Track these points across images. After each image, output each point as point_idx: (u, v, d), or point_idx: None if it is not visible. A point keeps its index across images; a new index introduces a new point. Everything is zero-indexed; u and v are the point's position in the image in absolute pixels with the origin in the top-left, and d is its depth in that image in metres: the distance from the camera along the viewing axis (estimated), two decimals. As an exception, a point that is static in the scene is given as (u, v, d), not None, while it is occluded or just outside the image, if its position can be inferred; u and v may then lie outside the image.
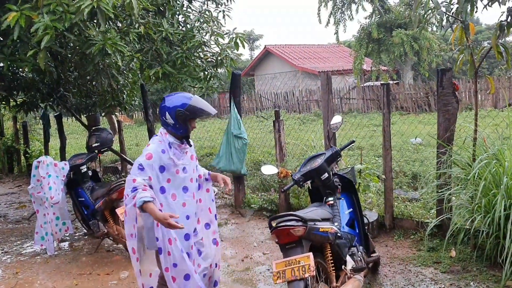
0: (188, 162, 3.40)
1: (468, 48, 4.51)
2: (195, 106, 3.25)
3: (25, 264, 5.44)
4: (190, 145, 3.44)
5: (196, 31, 6.70)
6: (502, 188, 3.94)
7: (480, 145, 4.56)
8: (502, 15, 4.32)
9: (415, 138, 9.94)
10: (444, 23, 4.58)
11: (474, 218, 4.15)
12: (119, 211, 5.06)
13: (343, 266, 3.51)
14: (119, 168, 9.53)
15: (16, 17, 4.41)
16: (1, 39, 5.51)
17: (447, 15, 4.51)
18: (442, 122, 4.81)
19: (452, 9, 4.49)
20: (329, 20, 26.73)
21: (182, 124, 3.28)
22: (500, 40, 4.41)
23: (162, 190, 3.23)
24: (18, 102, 7.86)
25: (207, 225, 3.64)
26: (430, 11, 4.60)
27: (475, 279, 4.05)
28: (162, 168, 3.21)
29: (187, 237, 3.33)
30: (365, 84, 23.50)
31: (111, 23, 5.83)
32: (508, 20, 4.26)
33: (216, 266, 3.64)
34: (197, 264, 3.40)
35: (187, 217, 3.32)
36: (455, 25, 4.63)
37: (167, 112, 3.25)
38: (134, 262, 3.35)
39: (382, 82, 23.64)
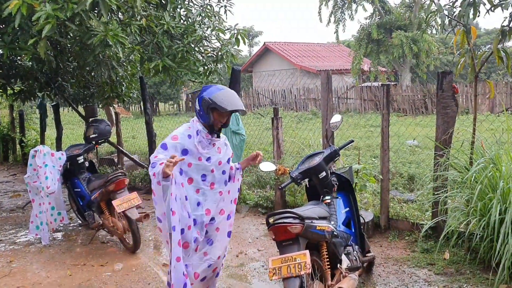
0: (214, 153, 3.44)
1: (469, 52, 4.52)
2: (217, 98, 3.25)
3: (19, 253, 5.43)
4: (219, 137, 3.47)
5: (198, 25, 6.68)
6: (498, 192, 3.97)
7: (478, 149, 4.59)
8: (504, 20, 4.33)
9: (413, 140, 9.98)
10: (445, 26, 4.59)
11: (469, 221, 4.18)
12: (115, 202, 5.07)
13: (338, 265, 3.53)
14: (115, 160, 9.50)
15: (17, 5, 4.37)
16: (2, 26, 5.48)
17: (449, 18, 4.52)
18: (441, 125, 4.83)
19: (454, 12, 4.50)
20: (329, 19, 26.74)
21: (205, 112, 3.31)
22: (500, 45, 4.43)
23: (181, 172, 3.30)
24: (16, 91, 7.82)
25: (228, 217, 3.66)
26: (431, 14, 4.60)
27: (469, 281, 4.08)
28: (185, 151, 3.29)
29: (194, 222, 3.36)
30: (363, 84, 23.54)
31: (113, 15, 5.81)
32: (510, 25, 4.27)
33: (223, 257, 3.68)
34: (202, 252, 3.48)
35: (198, 204, 3.38)
36: (457, 29, 4.64)
37: (198, 99, 3.35)
38: (166, 245, 3.36)
39: (380, 82, 23.71)
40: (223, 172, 3.54)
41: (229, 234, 3.69)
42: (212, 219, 3.49)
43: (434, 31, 25.69)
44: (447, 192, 4.57)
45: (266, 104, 25.36)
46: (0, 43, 5.28)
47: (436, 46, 24.49)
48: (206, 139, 3.37)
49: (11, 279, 4.69)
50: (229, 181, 3.63)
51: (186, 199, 3.30)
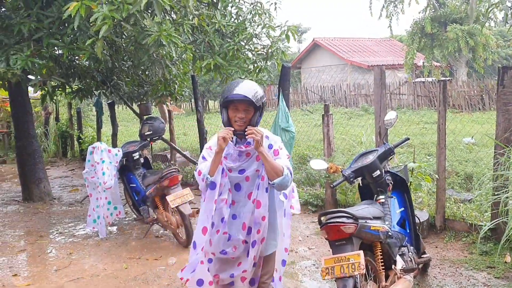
0: (250, 164, 3.01)
1: (534, 45, 4.29)
2: (225, 88, 2.97)
3: (78, 246, 5.66)
4: (247, 142, 2.97)
5: (248, 23, 6.71)
6: None
7: (543, 147, 4.35)
8: None
9: (472, 137, 9.61)
10: (508, 18, 4.37)
11: (533, 224, 3.97)
12: (169, 198, 5.19)
13: (392, 266, 3.45)
14: (168, 156, 9.72)
15: (77, 6, 4.55)
16: (62, 28, 5.72)
17: (512, 10, 4.31)
18: (501, 122, 4.61)
19: (518, 4, 4.28)
20: (381, 13, 26.12)
21: (222, 111, 2.98)
22: None
23: (213, 186, 2.99)
24: (74, 89, 8.14)
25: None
26: (493, 6, 4.40)
27: (532, 287, 3.89)
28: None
29: (229, 237, 3.03)
30: (416, 80, 22.86)
31: (166, 14, 5.93)
32: None
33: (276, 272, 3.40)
34: (237, 262, 3.11)
35: (234, 217, 3.03)
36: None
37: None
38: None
39: (434, 78, 22.95)
40: (263, 178, 2.99)
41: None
42: (249, 231, 3.05)
43: (492, 24, 24.57)
44: (508, 193, 4.36)
45: (314, 100, 25.16)
46: (60, 43, 5.52)
47: (494, 40, 23.39)
48: (234, 150, 3.00)
49: (71, 270, 4.90)
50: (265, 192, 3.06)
51: (222, 217, 2.99)
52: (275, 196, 3.14)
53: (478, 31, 22.13)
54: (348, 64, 27.79)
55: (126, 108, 9.80)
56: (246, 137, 2.89)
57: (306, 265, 4.76)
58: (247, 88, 2.87)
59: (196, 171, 3.05)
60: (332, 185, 4.03)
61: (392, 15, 25.72)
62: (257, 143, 2.83)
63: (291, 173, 2.95)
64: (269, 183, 2.95)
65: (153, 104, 8.71)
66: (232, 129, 2.89)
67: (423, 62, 25.34)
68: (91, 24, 4.83)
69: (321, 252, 5.04)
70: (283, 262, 3.47)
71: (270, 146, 3.02)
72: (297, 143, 10.74)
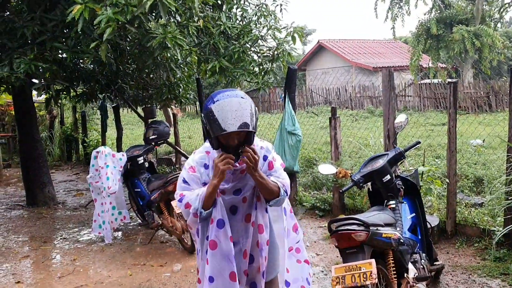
0: (246, 182, 2.59)
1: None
2: (209, 115, 2.36)
3: (82, 252, 5.58)
4: (238, 159, 2.46)
5: (254, 25, 6.63)
6: None
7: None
8: None
9: (483, 140, 9.47)
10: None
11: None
12: (174, 203, 5.10)
13: (405, 274, 3.34)
14: (173, 160, 9.66)
15: (80, 9, 4.48)
16: (65, 31, 5.65)
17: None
18: (514, 125, 4.50)
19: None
20: (387, 15, 26.00)
21: (208, 134, 2.45)
22: None
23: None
24: (78, 93, 8.09)
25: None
26: (506, 5, 4.29)
27: (548, 295, 3.77)
28: (205, 184, 2.55)
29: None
30: (422, 82, 22.72)
31: (171, 17, 5.86)
32: None
33: None
34: None
35: (234, 244, 2.56)
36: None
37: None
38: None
39: (440, 79, 22.79)
40: (259, 198, 2.63)
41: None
42: (251, 260, 2.66)
43: (498, 25, 24.38)
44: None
45: (320, 102, 25.05)
46: (64, 47, 5.46)
47: (500, 40, 23.22)
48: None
49: (74, 277, 4.82)
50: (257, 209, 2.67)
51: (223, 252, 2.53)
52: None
53: (484, 32, 21.98)
54: (353, 66, 27.67)
55: (130, 111, 9.73)
56: (241, 157, 2.42)
57: (314, 271, 4.65)
58: (243, 115, 2.33)
59: (178, 200, 2.56)
60: (341, 191, 3.93)
61: (397, 17, 25.60)
62: (250, 168, 2.44)
63: (286, 192, 2.61)
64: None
65: (158, 107, 8.63)
66: (233, 157, 2.42)
67: (429, 64, 25.18)
68: (95, 27, 4.76)
69: (329, 259, 4.94)
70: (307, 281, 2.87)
71: (264, 158, 2.62)
72: (303, 146, 10.62)
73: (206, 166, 2.58)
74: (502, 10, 5.41)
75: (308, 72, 31.46)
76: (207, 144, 2.59)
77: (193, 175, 2.57)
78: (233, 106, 2.34)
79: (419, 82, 22.41)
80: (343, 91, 24.52)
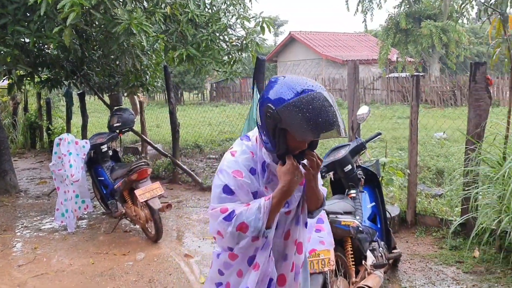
0: (295, 193, 2.02)
1: (506, 41, 4.32)
2: (290, 111, 1.77)
3: (44, 240, 5.48)
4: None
5: (222, 13, 6.60)
6: (534, 190, 3.79)
7: (512, 143, 4.40)
8: (544, 8, 4.12)
9: (444, 132, 9.73)
10: (481, 15, 4.39)
11: (501, 219, 4.01)
12: (138, 192, 5.07)
13: (363, 261, 3.42)
14: (139, 148, 9.55)
15: (43, -8, 4.38)
16: (28, 14, 5.50)
17: (485, 6, 4.32)
18: (473, 118, 4.64)
19: (491, 0, 4.30)
20: (357, 8, 26.27)
21: (270, 134, 1.88)
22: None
23: None
24: (43, 79, 7.89)
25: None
26: (467, 1, 4.41)
27: (499, 281, 3.92)
28: (254, 195, 2.00)
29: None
30: (390, 75, 23.11)
31: (137, 3, 5.77)
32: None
33: None
34: None
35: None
36: (493, 18, 4.43)
37: (259, 105, 1.92)
38: None
39: (408, 73, 23.23)
40: (303, 209, 2.15)
41: None
42: (282, 282, 2.16)
43: (465, 21, 25.01)
44: (478, 188, 4.40)
45: (290, 94, 25.17)
46: (27, 31, 5.31)
47: (466, 36, 23.82)
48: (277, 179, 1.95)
49: (35, 265, 4.73)
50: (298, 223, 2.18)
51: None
52: None
53: (452, 28, 22.50)
54: (323, 59, 27.89)
55: (97, 98, 9.55)
56: (304, 160, 1.94)
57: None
58: (336, 114, 1.80)
59: (223, 218, 1.93)
60: (304, 180, 3.97)
61: (368, 10, 25.91)
62: (310, 176, 1.97)
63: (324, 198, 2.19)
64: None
65: (124, 95, 8.51)
66: (302, 165, 1.94)
67: (397, 58, 25.63)
68: (58, 11, 4.65)
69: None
70: None
71: None
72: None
73: (253, 171, 1.99)
74: (462, 6, 5.57)
75: (280, 64, 31.54)
76: (247, 142, 2.06)
77: (242, 181, 1.96)
78: (325, 102, 1.78)
79: (387, 76, 22.80)
80: (314, 83, 24.68)
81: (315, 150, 1.95)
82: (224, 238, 1.97)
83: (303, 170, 1.94)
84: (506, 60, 4.46)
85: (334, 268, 2.99)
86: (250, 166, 1.99)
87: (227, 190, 1.97)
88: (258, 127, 1.94)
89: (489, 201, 4.28)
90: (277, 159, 1.94)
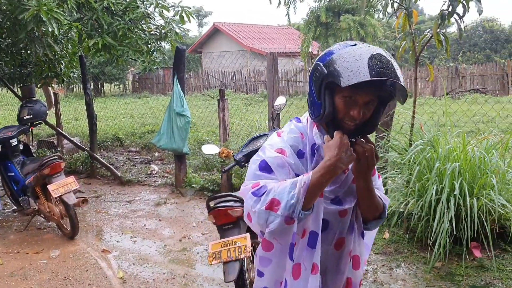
0: (344, 185, 1.75)
1: (410, 35, 4.59)
2: (340, 59, 1.52)
3: None
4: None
5: (140, 2, 6.43)
6: (434, 173, 4.08)
7: (417, 131, 4.69)
8: (443, 4, 4.41)
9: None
10: (389, 9, 4.63)
11: (408, 202, 4.28)
12: (51, 187, 4.84)
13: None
14: (55, 142, 9.10)
15: None
16: None
17: (392, 1, 4.56)
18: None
19: (397, -5, 4.53)
20: (280, 1, 26.64)
21: (316, 95, 1.61)
22: (441, 30, 4.51)
23: None
24: None
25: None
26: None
27: (406, 260, 4.20)
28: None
29: None
30: (311, 68, 23.76)
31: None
32: (449, 9, 4.35)
33: None
34: None
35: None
36: (399, 12, 4.69)
37: (311, 72, 1.66)
38: None
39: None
40: (358, 216, 1.81)
41: None
42: None
43: (380, 15, 26.20)
44: (387, 173, 4.66)
45: (216, 85, 25.13)
46: None
47: (381, 31, 25.00)
48: None
49: None
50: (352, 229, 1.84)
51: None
52: None
53: (368, 22, 23.50)
54: (247, 51, 28.07)
55: (8, 90, 8.97)
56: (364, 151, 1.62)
57: (198, 250, 4.72)
58: (393, 65, 1.51)
59: (252, 192, 1.62)
60: (224, 170, 4.00)
61: (290, 3, 26.37)
62: (364, 169, 1.64)
63: (385, 208, 1.84)
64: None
65: (38, 86, 8.07)
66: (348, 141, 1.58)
67: (318, 51, 26.38)
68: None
69: (214, 237, 5.02)
70: None
71: None
72: (196, 128, 10.65)
73: (301, 155, 1.70)
74: (372, 0, 5.85)
75: (205, 55, 31.34)
76: (298, 123, 1.77)
77: (285, 159, 1.66)
78: (379, 53, 1.53)
79: (308, 69, 23.40)
80: (239, 75, 24.80)
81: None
82: (252, 220, 1.63)
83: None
84: (410, 52, 4.75)
85: (250, 255, 3.04)
86: (298, 148, 1.70)
87: (264, 166, 1.66)
88: (307, 100, 1.69)
89: (397, 185, 4.55)
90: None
